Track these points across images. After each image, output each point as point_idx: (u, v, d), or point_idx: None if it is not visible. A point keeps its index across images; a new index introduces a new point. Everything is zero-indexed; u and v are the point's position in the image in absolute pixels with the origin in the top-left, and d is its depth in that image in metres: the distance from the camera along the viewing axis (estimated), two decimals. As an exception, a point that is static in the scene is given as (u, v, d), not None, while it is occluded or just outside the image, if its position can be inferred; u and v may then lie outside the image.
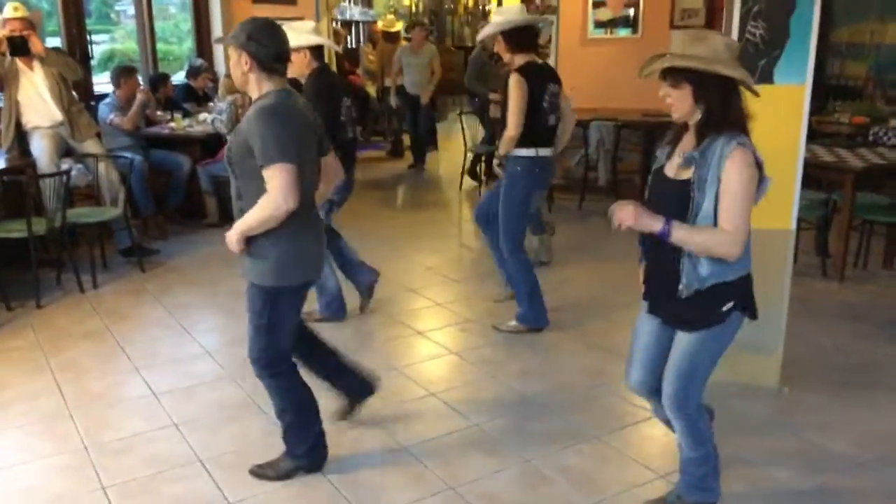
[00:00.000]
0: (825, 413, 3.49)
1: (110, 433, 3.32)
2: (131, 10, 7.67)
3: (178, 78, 7.71)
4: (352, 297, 4.63)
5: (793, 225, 3.53)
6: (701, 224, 2.33)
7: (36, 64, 5.26)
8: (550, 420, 3.44)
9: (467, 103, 9.26)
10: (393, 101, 9.30)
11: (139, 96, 6.07)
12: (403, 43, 9.67)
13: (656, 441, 3.24)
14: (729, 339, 2.53)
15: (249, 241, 2.69)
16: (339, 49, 7.00)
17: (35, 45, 5.14)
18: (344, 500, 2.87)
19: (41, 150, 5.28)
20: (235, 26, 2.72)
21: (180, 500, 2.88)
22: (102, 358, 4.08)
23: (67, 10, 6.33)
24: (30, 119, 5.33)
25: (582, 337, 4.33)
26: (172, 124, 6.61)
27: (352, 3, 12.90)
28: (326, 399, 3.12)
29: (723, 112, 2.31)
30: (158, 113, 6.75)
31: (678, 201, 2.36)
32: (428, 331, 4.47)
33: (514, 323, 4.39)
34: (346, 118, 4.21)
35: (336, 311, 4.51)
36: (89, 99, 6.33)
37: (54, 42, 6.29)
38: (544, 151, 4.22)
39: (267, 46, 2.62)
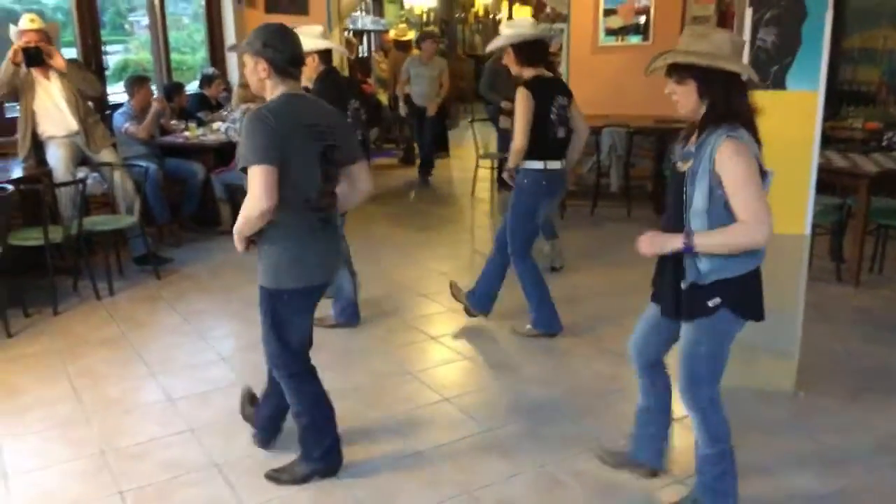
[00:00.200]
0: (841, 417, 3.47)
1: (127, 438, 3.35)
2: (145, 21, 7.74)
3: (192, 87, 7.78)
4: (369, 305, 4.65)
5: (807, 230, 3.52)
6: (693, 219, 2.38)
7: (52, 74, 5.32)
8: (564, 425, 3.44)
9: (482, 110, 9.27)
10: (402, 109, 9.30)
11: (154, 105, 6.12)
12: (415, 52, 9.65)
13: (673, 446, 3.23)
14: (721, 336, 2.54)
15: (256, 242, 2.75)
16: (349, 54, 7.01)
17: (56, 61, 5.20)
18: (359, 505, 2.88)
19: (57, 159, 5.33)
20: (249, 34, 2.76)
21: (197, 505, 2.90)
22: (119, 364, 4.12)
23: (82, 21, 6.40)
24: (46, 129, 5.38)
25: (595, 342, 4.33)
26: (187, 133, 6.66)
27: (364, 13, 12.97)
28: (340, 405, 3.13)
29: (726, 106, 2.35)
30: (173, 122, 6.80)
31: (679, 195, 2.43)
32: (441, 336, 4.48)
33: (529, 327, 4.41)
34: (353, 120, 4.24)
35: (350, 317, 4.52)
36: (104, 109, 6.39)
37: (70, 53, 6.36)
38: (553, 164, 4.23)
39: (282, 51, 2.66)
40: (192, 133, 6.66)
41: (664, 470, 2.99)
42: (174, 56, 7.93)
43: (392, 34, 11.58)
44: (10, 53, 5.16)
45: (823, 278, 5.20)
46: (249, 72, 2.73)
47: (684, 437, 2.96)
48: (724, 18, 7.47)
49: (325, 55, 4.23)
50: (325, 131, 2.75)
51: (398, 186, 8.92)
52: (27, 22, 5.19)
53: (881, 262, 5.48)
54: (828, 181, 4.96)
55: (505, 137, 6.67)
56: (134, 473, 3.08)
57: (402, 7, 14.89)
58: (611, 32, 8.16)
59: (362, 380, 3.90)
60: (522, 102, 4.10)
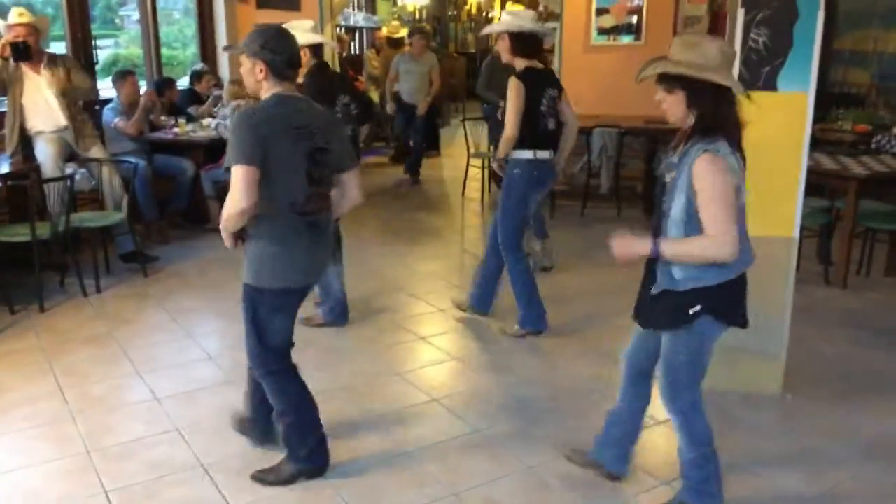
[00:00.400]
0: (828, 420, 3.49)
1: (112, 437, 3.32)
2: (136, 16, 7.70)
3: (183, 83, 7.74)
4: (357, 305, 4.64)
5: (795, 232, 3.53)
6: (670, 228, 2.41)
7: (43, 69, 5.28)
8: (552, 426, 3.44)
9: (473, 109, 9.21)
10: (389, 107, 9.18)
11: (142, 100, 6.08)
12: (407, 49, 9.55)
13: (659, 448, 3.24)
14: (702, 342, 2.54)
15: (243, 240, 2.76)
16: (341, 50, 6.95)
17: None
18: (346, 506, 2.87)
19: (45, 154, 5.29)
20: (243, 33, 2.76)
21: (182, 505, 2.88)
22: (105, 362, 4.09)
23: (72, 15, 6.35)
24: (34, 124, 5.35)
25: (584, 343, 4.33)
26: (176, 129, 6.62)
27: (356, 10, 12.93)
28: (328, 406, 3.12)
29: (713, 118, 2.36)
30: (162, 118, 6.76)
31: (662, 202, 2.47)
32: (430, 336, 4.47)
33: (517, 327, 4.41)
34: (343, 115, 4.24)
35: (338, 316, 4.51)
36: (94, 104, 6.35)
37: (59, 47, 6.32)
38: (542, 154, 4.25)
39: (280, 54, 2.67)
40: (181, 129, 6.62)
41: (624, 475, 2.97)
42: (165, 51, 7.89)
43: (384, 31, 11.55)
44: (-3, 48, 5.13)
45: (811, 281, 5.22)
46: (246, 72, 2.74)
47: (671, 439, 2.96)
48: (717, 19, 7.49)
49: (317, 50, 4.23)
50: (315, 133, 2.73)
51: (388, 185, 8.88)
52: (16, 16, 5.14)
53: (869, 264, 5.51)
54: (816, 183, 4.97)
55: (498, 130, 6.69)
56: (119, 473, 3.06)
57: (394, 4, 14.85)
58: (603, 32, 8.16)
59: (350, 380, 3.89)
60: (514, 92, 4.12)
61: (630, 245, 2.47)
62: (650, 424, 3.26)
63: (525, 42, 4.18)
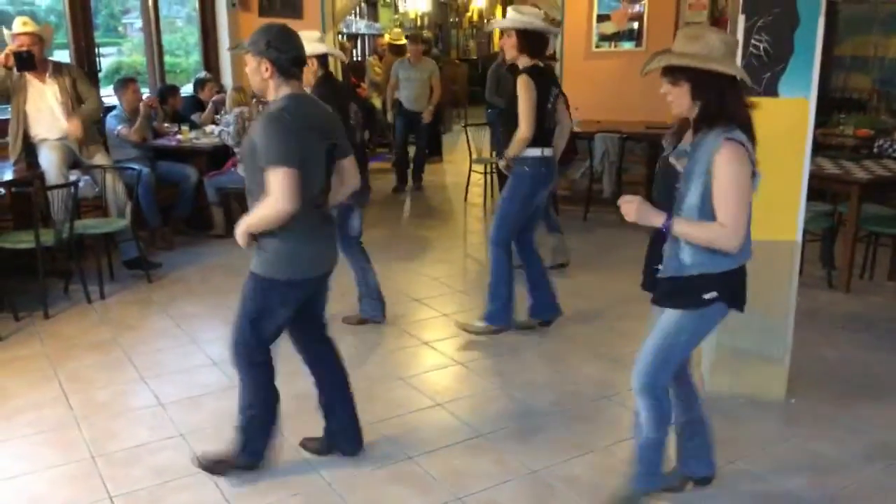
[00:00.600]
0: (832, 424, 3.48)
1: (117, 443, 3.33)
2: (139, 24, 7.73)
3: (186, 90, 7.77)
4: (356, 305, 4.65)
5: (798, 236, 3.54)
6: (686, 215, 2.44)
7: (48, 77, 5.31)
8: (557, 430, 3.44)
9: (475, 115, 9.21)
10: (390, 115, 9.09)
11: (142, 107, 6.10)
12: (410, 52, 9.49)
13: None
14: (709, 326, 2.61)
15: (256, 235, 2.77)
16: (346, 59, 6.97)
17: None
18: (350, 510, 2.88)
19: (49, 161, 5.31)
20: (248, 35, 2.78)
21: (187, 510, 2.89)
22: (109, 368, 4.10)
23: (75, 23, 6.37)
24: (38, 132, 5.37)
25: (588, 347, 4.33)
26: (179, 136, 6.65)
27: (358, 17, 12.98)
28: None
29: (718, 107, 2.39)
30: (165, 125, 6.79)
31: (671, 191, 2.49)
32: (434, 341, 4.48)
33: (479, 324, 4.44)
34: (355, 122, 4.26)
35: (378, 311, 4.63)
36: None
37: (63, 55, 6.35)
38: (548, 151, 4.30)
39: (286, 52, 2.70)
40: (184, 136, 6.64)
41: (713, 475, 2.95)
42: (168, 59, 7.92)
43: (387, 38, 11.59)
44: (1, 57, 5.15)
45: (814, 285, 5.22)
46: (252, 71, 2.76)
47: (671, 437, 2.97)
48: (717, 25, 7.48)
49: (323, 60, 4.24)
50: (329, 130, 2.83)
51: (391, 191, 8.89)
52: (20, 25, 5.17)
53: (871, 268, 5.51)
54: (819, 188, 4.98)
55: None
56: (124, 478, 3.06)
57: (396, 11, 14.91)
58: (604, 38, 8.19)
59: (354, 384, 3.85)
60: (526, 89, 4.11)
61: (645, 212, 2.46)
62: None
63: (532, 40, 4.18)
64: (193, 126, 6.92)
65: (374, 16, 13.99)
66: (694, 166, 2.41)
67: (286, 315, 2.90)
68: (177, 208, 6.45)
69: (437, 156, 10.47)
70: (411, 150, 8.99)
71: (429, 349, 4.38)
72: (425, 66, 8.66)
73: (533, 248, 4.53)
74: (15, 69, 5.17)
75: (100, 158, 5.54)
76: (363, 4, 13.45)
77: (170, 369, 4.09)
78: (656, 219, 2.45)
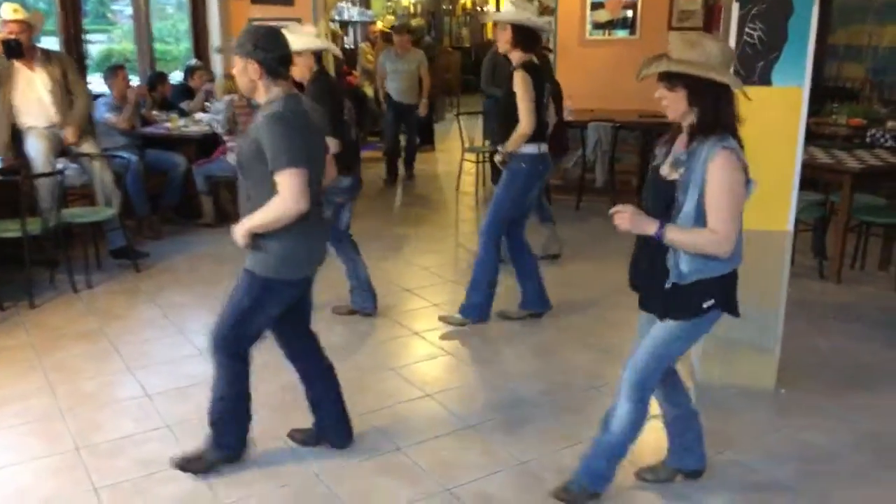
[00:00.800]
0: (823, 414, 3.48)
1: (102, 434, 3.30)
2: (129, 11, 7.65)
3: (176, 78, 7.70)
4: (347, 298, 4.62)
5: (790, 226, 3.52)
6: (682, 223, 2.43)
7: (37, 65, 5.24)
8: (546, 421, 3.43)
9: (468, 103, 9.15)
10: (383, 106, 9.08)
11: (130, 95, 6.04)
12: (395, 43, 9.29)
13: (651, 444, 3.22)
14: (703, 331, 2.65)
15: (255, 235, 2.76)
16: (340, 55, 6.87)
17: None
18: (339, 501, 2.86)
19: (36, 150, 5.25)
20: (237, 28, 2.75)
21: (172, 502, 2.86)
22: (95, 358, 4.06)
23: (65, 10, 6.29)
24: (26, 120, 5.30)
25: (579, 338, 4.32)
26: (168, 124, 6.59)
27: (350, 4, 12.88)
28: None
29: (714, 116, 2.40)
30: (154, 112, 6.73)
31: (665, 200, 2.48)
32: (424, 331, 4.45)
33: (457, 315, 4.42)
34: (349, 118, 4.23)
35: (369, 303, 4.59)
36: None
37: (51, 42, 6.27)
38: (544, 147, 4.29)
39: (272, 52, 2.70)
40: (173, 124, 6.58)
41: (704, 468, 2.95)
42: (158, 46, 7.85)
43: (380, 25, 11.51)
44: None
45: (806, 275, 5.21)
46: (239, 73, 2.75)
47: (662, 434, 2.95)
48: (711, 14, 7.47)
49: (317, 54, 4.19)
50: (321, 126, 2.86)
51: (381, 180, 8.83)
52: (10, 12, 5.09)
53: (863, 258, 5.50)
54: (811, 177, 4.96)
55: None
56: (109, 470, 3.03)
57: (388, -1, 14.82)
58: (598, 26, 8.15)
59: (344, 375, 3.82)
60: (525, 85, 4.09)
61: (638, 221, 2.46)
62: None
63: (526, 35, 4.15)
64: (182, 114, 6.86)
65: (366, 3, 13.88)
66: (690, 175, 2.41)
67: (277, 312, 2.89)
68: (165, 197, 6.40)
69: (430, 145, 10.41)
70: (402, 140, 8.92)
71: (419, 339, 4.36)
72: (413, 57, 8.49)
73: (523, 242, 4.50)
74: (4, 56, 5.09)
75: (88, 146, 5.48)
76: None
77: (157, 360, 4.05)
78: (650, 227, 2.44)
